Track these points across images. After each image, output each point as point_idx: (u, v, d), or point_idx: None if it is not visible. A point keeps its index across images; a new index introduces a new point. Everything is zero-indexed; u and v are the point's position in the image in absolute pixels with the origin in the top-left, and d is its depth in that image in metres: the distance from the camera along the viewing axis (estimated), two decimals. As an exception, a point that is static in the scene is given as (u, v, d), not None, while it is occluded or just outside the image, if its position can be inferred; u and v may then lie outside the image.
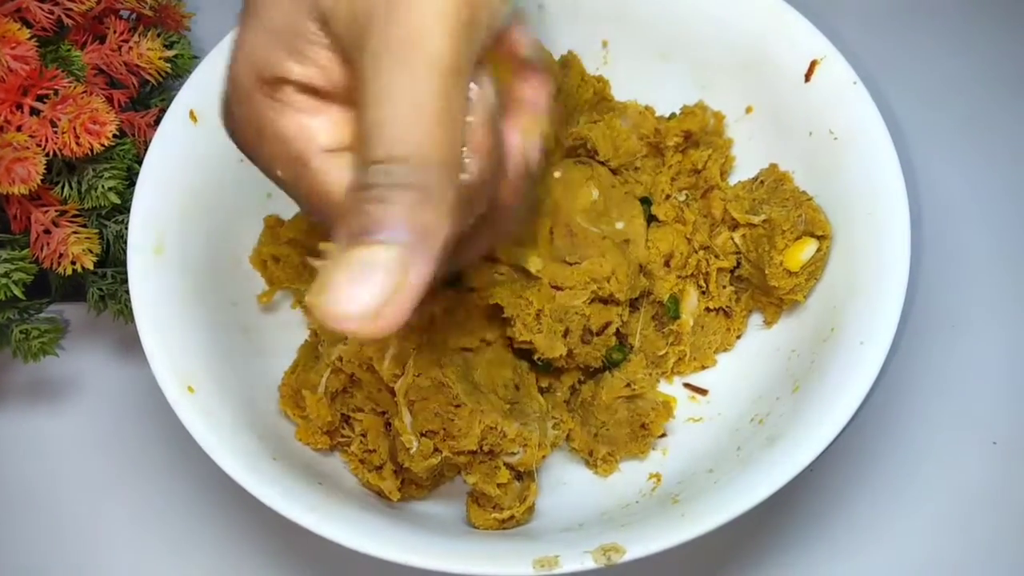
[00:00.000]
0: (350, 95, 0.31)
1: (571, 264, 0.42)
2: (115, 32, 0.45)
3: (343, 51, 0.30)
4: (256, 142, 0.31)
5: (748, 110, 0.48)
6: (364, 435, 0.41)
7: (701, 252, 0.45)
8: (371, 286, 0.27)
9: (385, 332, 0.27)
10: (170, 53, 0.47)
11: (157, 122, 0.44)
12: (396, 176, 0.27)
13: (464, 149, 0.29)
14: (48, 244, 0.42)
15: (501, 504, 0.41)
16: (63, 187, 0.43)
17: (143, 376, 0.46)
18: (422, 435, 0.39)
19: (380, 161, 0.27)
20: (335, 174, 0.30)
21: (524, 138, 0.33)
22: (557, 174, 0.44)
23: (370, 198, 0.27)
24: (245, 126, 0.32)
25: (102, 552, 0.46)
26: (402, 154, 0.27)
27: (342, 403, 0.42)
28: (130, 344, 0.49)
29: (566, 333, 0.42)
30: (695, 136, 0.47)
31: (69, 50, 0.43)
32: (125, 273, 0.42)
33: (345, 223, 0.28)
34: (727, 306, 0.46)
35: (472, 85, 0.30)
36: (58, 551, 0.46)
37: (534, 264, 0.42)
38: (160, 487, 0.47)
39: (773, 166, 0.46)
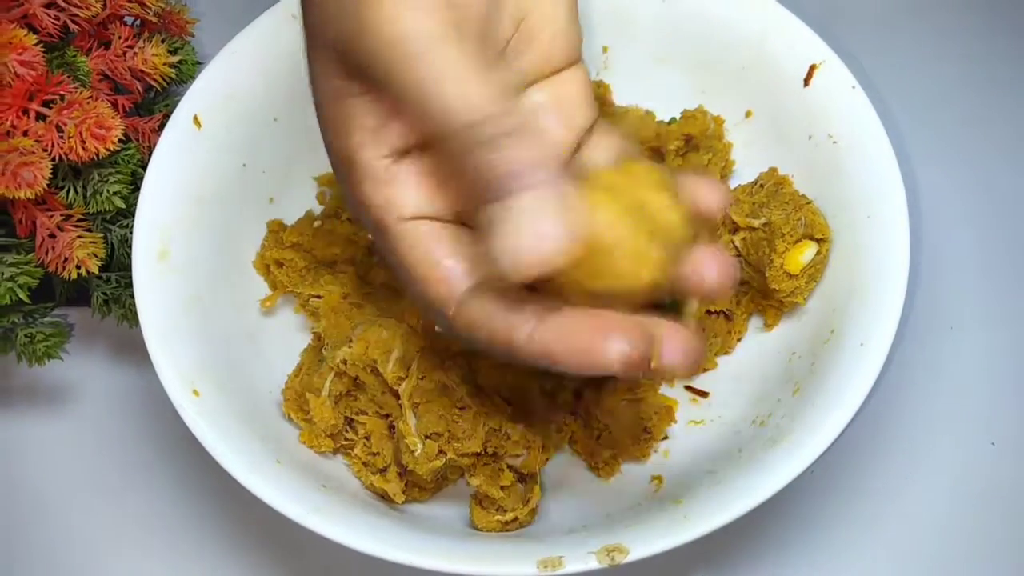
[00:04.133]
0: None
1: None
2: (120, 38, 0.46)
3: (368, 77, 0.31)
4: (354, 213, 0.34)
5: (748, 114, 0.48)
6: (368, 438, 0.42)
7: (702, 255, 0.46)
8: (541, 220, 0.28)
9: (572, 252, 0.28)
10: (174, 59, 0.47)
11: (161, 127, 0.44)
12: (476, 138, 0.28)
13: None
14: (53, 248, 0.42)
15: (504, 506, 0.41)
16: (68, 192, 0.43)
17: (147, 380, 0.46)
18: (426, 437, 0.39)
19: (455, 138, 0.29)
20: (407, 242, 0.32)
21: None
22: None
23: (482, 166, 0.29)
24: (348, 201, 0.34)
25: (106, 555, 0.46)
26: (465, 121, 0.29)
27: (346, 406, 0.42)
28: (134, 348, 0.49)
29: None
30: (695, 140, 0.47)
31: (75, 56, 0.44)
32: (130, 277, 0.42)
33: (483, 201, 0.29)
34: (728, 309, 0.46)
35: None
36: (62, 554, 0.46)
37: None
38: (164, 490, 0.47)
39: (773, 170, 0.46)
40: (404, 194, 0.32)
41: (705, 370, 0.46)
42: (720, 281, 0.32)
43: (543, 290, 0.31)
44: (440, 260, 0.32)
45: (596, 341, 0.29)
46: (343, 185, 0.33)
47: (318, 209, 0.48)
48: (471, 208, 0.32)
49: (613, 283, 0.30)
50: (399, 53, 0.29)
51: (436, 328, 0.41)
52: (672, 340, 0.30)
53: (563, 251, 0.28)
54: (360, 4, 0.30)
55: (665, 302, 0.45)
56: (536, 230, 0.28)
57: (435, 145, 0.32)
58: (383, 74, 0.30)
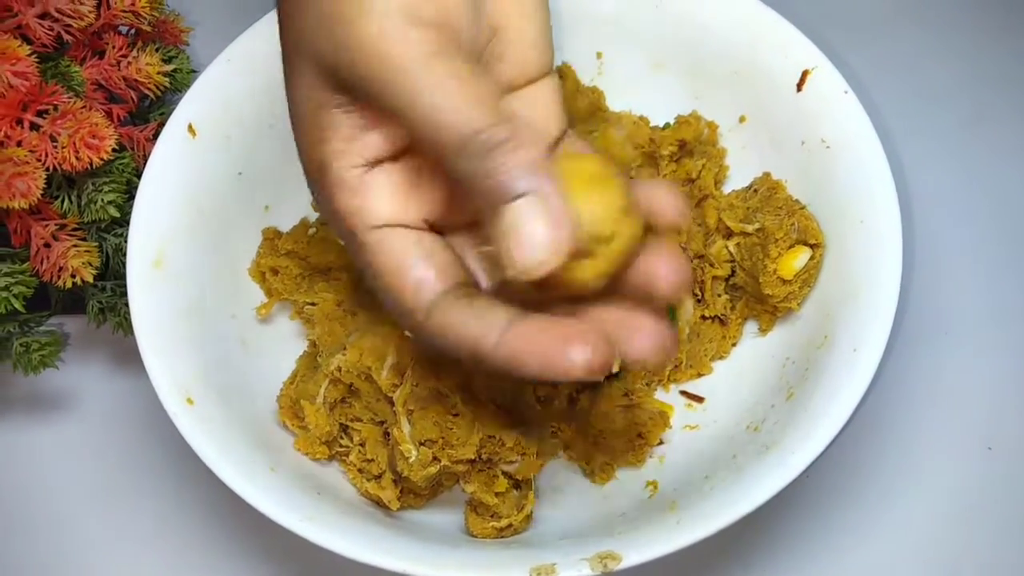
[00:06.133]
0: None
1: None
2: (114, 47, 0.46)
3: (355, 90, 0.31)
4: (327, 220, 0.35)
5: (741, 120, 0.48)
6: (363, 445, 0.42)
7: (696, 261, 0.46)
8: (533, 226, 0.29)
9: (561, 257, 0.29)
10: (169, 68, 0.47)
11: (156, 136, 0.45)
12: (474, 149, 0.29)
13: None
14: (48, 258, 0.43)
15: (499, 512, 0.41)
16: (63, 201, 0.43)
17: (142, 388, 0.46)
18: (421, 444, 0.39)
19: (451, 151, 0.30)
20: (378, 249, 0.33)
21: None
22: None
23: (479, 175, 0.29)
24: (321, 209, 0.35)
25: (101, 564, 0.46)
26: (459, 134, 0.29)
27: (341, 413, 0.42)
28: (129, 356, 0.49)
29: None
30: (689, 145, 0.47)
31: (68, 66, 0.44)
32: (125, 286, 0.42)
33: (482, 208, 0.30)
34: (722, 314, 0.46)
35: None
36: (57, 563, 0.46)
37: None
38: (159, 498, 0.47)
39: (766, 175, 0.46)
40: (376, 203, 0.33)
41: (700, 375, 0.46)
42: (670, 282, 0.33)
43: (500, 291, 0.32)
44: (410, 268, 0.32)
45: (560, 349, 0.30)
46: (316, 193, 0.34)
47: (313, 216, 0.48)
48: (460, 217, 0.32)
49: (558, 276, 0.30)
50: (389, 69, 0.30)
51: (405, 333, 0.41)
52: (642, 332, 0.31)
53: (558, 255, 0.29)
54: (342, 20, 0.30)
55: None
56: (538, 234, 0.29)
57: (426, 155, 0.32)
58: (373, 90, 0.30)
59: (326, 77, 0.32)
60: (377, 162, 0.33)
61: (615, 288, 0.32)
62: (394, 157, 0.33)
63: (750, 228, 0.44)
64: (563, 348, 0.30)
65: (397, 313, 0.33)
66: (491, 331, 0.31)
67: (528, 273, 0.29)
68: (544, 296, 0.32)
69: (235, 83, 0.45)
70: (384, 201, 0.33)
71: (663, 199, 0.33)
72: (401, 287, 0.32)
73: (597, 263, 0.31)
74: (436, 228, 0.34)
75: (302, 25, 0.32)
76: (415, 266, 0.32)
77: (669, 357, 0.32)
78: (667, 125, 0.48)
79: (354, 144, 0.32)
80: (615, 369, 0.31)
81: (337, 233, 0.34)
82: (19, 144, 0.41)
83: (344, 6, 0.30)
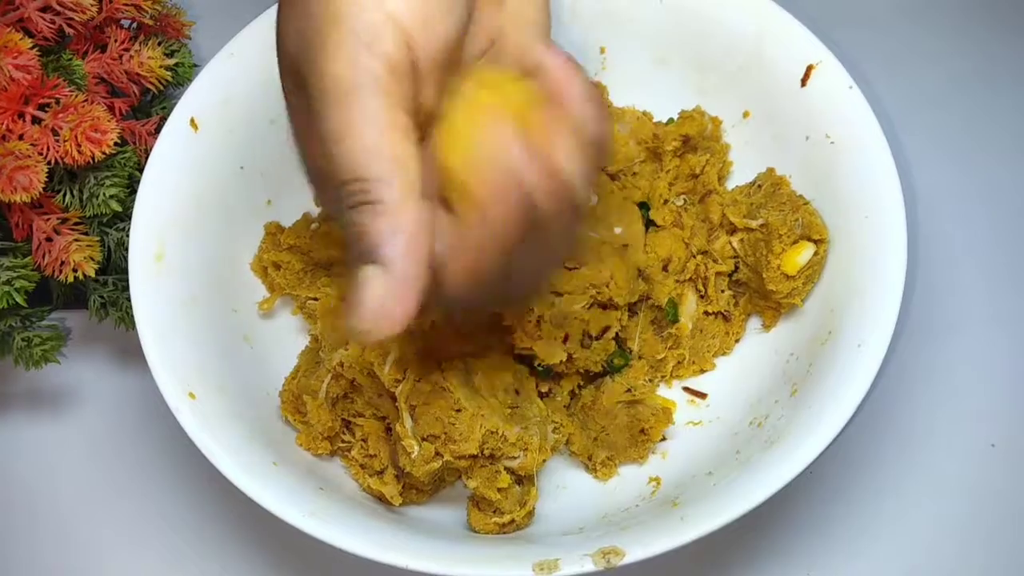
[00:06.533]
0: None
1: (570, 269, 0.42)
2: (116, 41, 0.46)
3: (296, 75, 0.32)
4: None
5: (745, 115, 0.48)
6: (365, 440, 0.42)
7: (699, 256, 0.46)
8: (368, 295, 0.30)
9: (388, 331, 0.30)
10: (171, 61, 0.47)
11: (158, 130, 0.45)
12: (352, 198, 0.30)
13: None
14: (50, 252, 0.42)
15: (502, 508, 0.41)
16: (65, 195, 0.43)
17: (144, 383, 0.46)
18: (423, 439, 0.39)
19: (343, 184, 0.30)
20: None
21: (565, 161, 0.31)
22: None
23: (346, 224, 0.30)
24: None
25: (104, 559, 0.46)
26: (351, 177, 0.30)
27: (343, 408, 0.42)
28: (131, 351, 0.49)
29: (566, 338, 0.42)
30: (693, 141, 0.47)
31: (70, 59, 0.44)
32: (126, 280, 0.42)
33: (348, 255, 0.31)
34: (726, 310, 0.46)
35: None
36: (60, 558, 0.46)
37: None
38: (161, 493, 0.47)
39: (770, 170, 0.46)
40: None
41: (703, 371, 0.46)
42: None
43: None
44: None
45: None
46: (320, 197, 0.34)
47: (315, 211, 0.48)
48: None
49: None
50: (328, 91, 0.30)
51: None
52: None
53: (394, 330, 0.30)
54: (314, 34, 0.30)
55: (664, 306, 0.45)
56: (374, 305, 0.30)
57: (321, 184, 0.33)
58: (310, 101, 0.31)
59: (292, 79, 0.32)
60: None
61: None
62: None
63: (754, 224, 0.44)
64: None
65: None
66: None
67: (359, 336, 0.30)
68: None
69: (237, 78, 0.45)
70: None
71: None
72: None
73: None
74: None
75: (288, 28, 0.32)
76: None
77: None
78: (671, 120, 0.48)
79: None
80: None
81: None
82: (21, 138, 0.40)
83: (320, 12, 0.30)
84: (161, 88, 0.47)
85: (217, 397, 0.40)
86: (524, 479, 0.41)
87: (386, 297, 0.30)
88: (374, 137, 0.30)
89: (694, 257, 0.45)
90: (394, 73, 0.30)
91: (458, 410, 0.40)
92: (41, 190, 0.40)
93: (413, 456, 0.39)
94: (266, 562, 0.46)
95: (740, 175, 0.48)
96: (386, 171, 0.30)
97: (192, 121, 0.44)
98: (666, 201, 0.46)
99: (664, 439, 0.44)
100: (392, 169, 0.30)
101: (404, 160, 0.30)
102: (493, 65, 0.34)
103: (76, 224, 0.43)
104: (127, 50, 0.46)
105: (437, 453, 0.39)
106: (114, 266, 0.46)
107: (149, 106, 0.49)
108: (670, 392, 0.46)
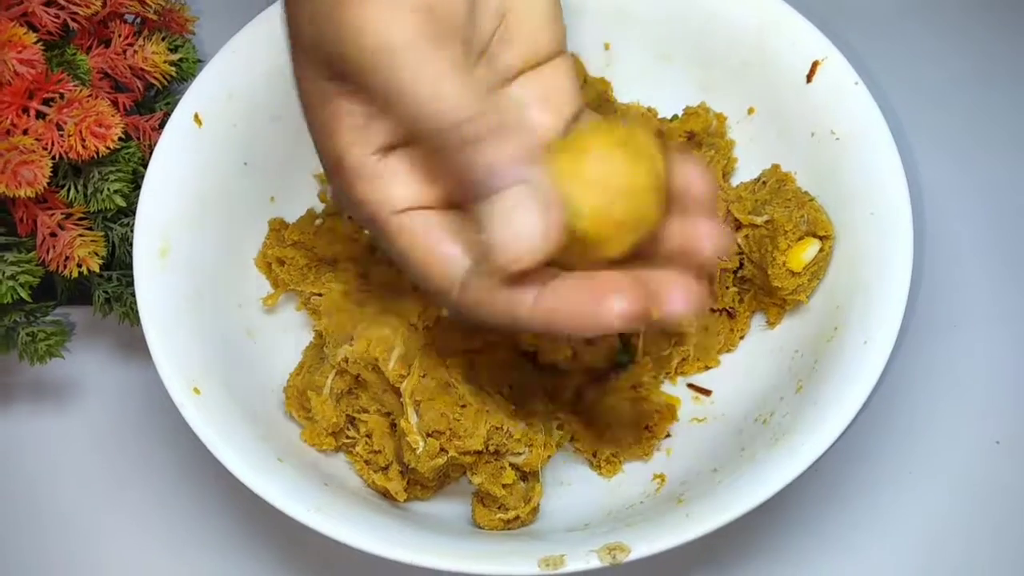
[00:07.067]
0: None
1: None
2: (120, 36, 0.46)
3: (345, 74, 0.31)
4: (348, 211, 0.35)
5: (750, 111, 0.48)
6: (369, 436, 0.42)
7: (704, 253, 0.45)
8: (520, 217, 0.29)
9: (553, 245, 0.29)
10: (175, 57, 0.47)
11: (162, 125, 0.44)
12: (470, 135, 0.29)
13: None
14: (54, 247, 0.42)
15: (506, 504, 0.41)
16: (69, 190, 0.43)
17: (148, 378, 0.46)
18: (428, 435, 0.39)
19: (452, 128, 0.30)
20: (403, 234, 0.33)
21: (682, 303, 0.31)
22: None
23: (463, 166, 0.30)
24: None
25: (106, 553, 0.46)
26: (445, 123, 0.30)
27: (348, 404, 0.42)
28: (135, 346, 0.49)
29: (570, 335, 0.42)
30: (697, 137, 0.47)
31: (75, 54, 0.44)
32: (131, 276, 0.42)
33: (469, 198, 0.30)
34: (730, 307, 0.46)
35: None
36: (63, 552, 0.46)
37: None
38: (165, 488, 0.47)
39: (775, 167, 0.46)
40: (395, 188, 0.33)
41: (707, 368, 0.46)
42: (712, 243, 0.32)
43: None
44: (436, 246, 0.32)
45: (595, 303, 0.30)
46: (334, 184, 0.34)
47: (319, 207, 0.48)
48: (459, 200, 0.32)
49: (586, 247, 0.30)
50: (378, 59, 0.30)
51: (443, 312, 0.41)
52: (674, 289, 0.31)
53: (549, 243, 0.29)
54: (336, 10, 0.30)
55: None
56: (521, 226, 0.29)
57: (419, 144, 0.32)
58: (364, 79, 0.30)
59: (325, 68, 0.32)
60: (391, 148, 0.33)
61: (649, 253, 0.32)
62: (407, 141, 0.33)
63: (759, 220, 0.44)
64: (600, 299, 0.30)
65: (430, 292, 0.33)
66: (525, 296, 0.31)
67: (517, 263, 0.29)
68: (567, 266, 0.32)
69: (241, 73, 0.45)
70: (403, 185, 0.33)
71: (692, 175, 0.33)
72: (431, 267, 0.32)
73: (619, 230, 0.31)
74: (457, 205, 0.34)
75: (301, 16, 0.32)
76: (441, 243, 0.32)
77: (703, 311, 0.32)
78: (675, 117, 0.48)
79: (364, 133, 0.32)
80: (655, 316, 0.30)
81: (360, 222, 0.34)
82: (25, 132, 0.40)
83: None
84: (165, 83, 0.47)
85: (221, 392, 0.40)
86: (529, 475, 0.41)
87: (542, 209, 0.29)
88: (461, 77, 0.30)
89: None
90: (432, 13, 0.30)
91: (463, 406, 0.40)
92: (45, 185, 0.40)
93: (418, 452, 0.39)
94: (270, 556, 0.46)
95: (745, 171, 0.48)
96: (488, 104, 0.30)
97: (196, 117, 0.44)
98: (671, 197, 0.46)
99: (669, 436, 0.44)
100: (487, 100, 0.30)
101: (488, 96, 0.30)
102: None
103: (80, 219, 0.43)
104: (131, 45, 0.46)
105: (442, 449, 0.39)
106: (118, 261, 0.46)
107: (153, 101, 0.49)
108: (675, 389, 0.46)
